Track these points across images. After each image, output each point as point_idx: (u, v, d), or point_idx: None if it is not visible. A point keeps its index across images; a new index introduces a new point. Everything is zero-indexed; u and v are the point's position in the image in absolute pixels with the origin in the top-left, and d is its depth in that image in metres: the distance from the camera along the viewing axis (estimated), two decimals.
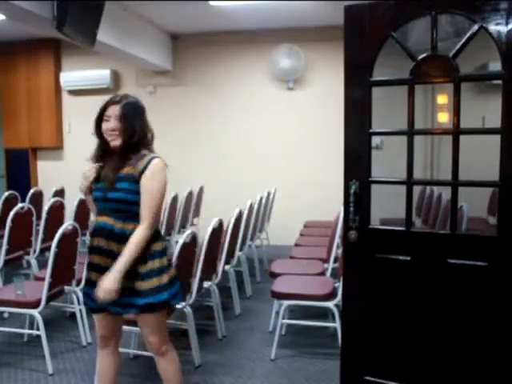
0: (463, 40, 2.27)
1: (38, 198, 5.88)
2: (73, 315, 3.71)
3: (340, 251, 3.24)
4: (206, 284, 3.50)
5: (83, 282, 2.27)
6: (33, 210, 4.46)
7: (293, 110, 6.66)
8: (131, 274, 2.09)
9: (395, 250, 2.51)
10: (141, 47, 5.93)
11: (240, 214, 4.03)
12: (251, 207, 4.49)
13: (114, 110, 2.08)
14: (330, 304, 3.20)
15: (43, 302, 3.09)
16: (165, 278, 2.14)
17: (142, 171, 2.07)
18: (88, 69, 6.96)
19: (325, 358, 3.31)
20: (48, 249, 3.93)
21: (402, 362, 2.53)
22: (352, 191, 2.49)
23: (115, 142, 2.10)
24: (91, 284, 2.15)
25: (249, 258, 4.90)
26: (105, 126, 2.10)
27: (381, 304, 2.53)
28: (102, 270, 2.10)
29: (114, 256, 2.08)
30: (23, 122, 7.22)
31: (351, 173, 2.51)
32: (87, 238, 4.78)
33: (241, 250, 4.35)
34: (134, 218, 2.09)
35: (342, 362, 2.66)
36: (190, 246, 3.01)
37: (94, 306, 2.18)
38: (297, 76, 6.54)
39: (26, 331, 3.55)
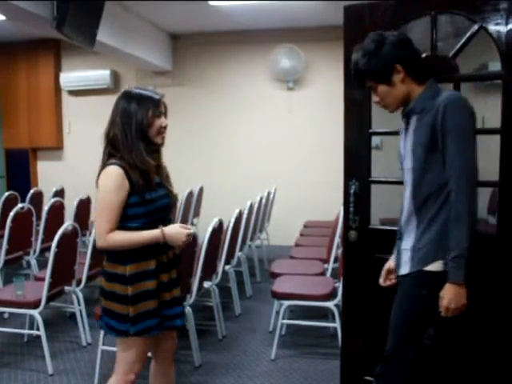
0: (463, 40, 2.26)
1: (37, 199, 5.89)
2: (73, 315, 3.71)
3: (340, 251, 3.24)
4: (206, 284, 3.50)
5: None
6: (33, 210, 4.46)
7: (293, 110, 6.66)
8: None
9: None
10: (141, 47, 5.93)
11: (240, 214, 4.03)
12: (251, 207, 4.49)
13: (163, 107, 1.99)
14: (330, 304, 3.19)
15: (43, 303, 3.09)
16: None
17: None
18: (88, 69, 6.96)
19: (325, 358, 3.31)
20: (48, 249, 3.93)
21: None
22: (352, 191, 2.49)
23: (163, 140, 2.01)
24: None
25: (249, 257, 4.90)
26: (159, 122, 1.95)
27: (381, 304, 2.53)
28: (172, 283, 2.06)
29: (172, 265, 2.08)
30: (23, 122, 7.23)
31: (351, 173, 2.50)
32: (87, 239, 4.80)
33: (241, 250, 4.35)
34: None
35: (342, 362, 2.66)
36: (190, 245, 3.01)
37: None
38: (297, 76, 6.54)
39: (26, 331, 3.56)
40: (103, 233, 1.91)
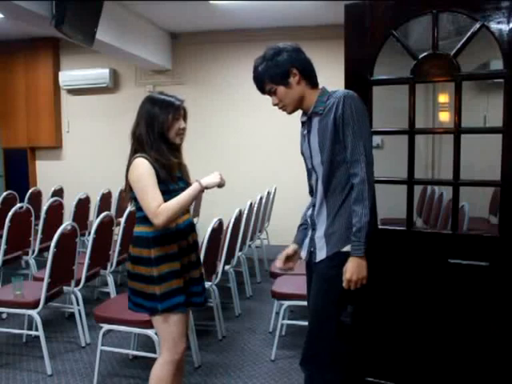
0: (464, 39, 2.25)
1: (36, 198, 5.87)
2: (72, 316, 3.70)
3: None
4: (206, 284, 3.48)
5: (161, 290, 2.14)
6: (31, 209, 4.44)
7: None
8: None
9: (396, 250, 2.49)
10: (140, 46, 5.91)
11: (240, 214, 4.02)
12: (251, 207, 4.48)
13: (182, 111, 2.21)
14: None
15: (42, 303, 3.08)
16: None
17: None
18: (87, 68, 6.93)
19: None
20: (47, 249, 3.91)
21: (403, 362, 2.51)
22: None
23: (182, 140, 2.23)
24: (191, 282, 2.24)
25: (249, 258, 4.89)
26: (178, 124, 2.17)
27: (381, 304, 2.52)
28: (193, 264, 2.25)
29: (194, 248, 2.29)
30: (22, 121, 7.19)
31: None
32: (86, 239, 4.78)
33: (241, 250, 4.33)
34: None
35: None
36: None
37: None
38: None
39: (25, 332, 3.54)
40: (155, 211, 2.06)
